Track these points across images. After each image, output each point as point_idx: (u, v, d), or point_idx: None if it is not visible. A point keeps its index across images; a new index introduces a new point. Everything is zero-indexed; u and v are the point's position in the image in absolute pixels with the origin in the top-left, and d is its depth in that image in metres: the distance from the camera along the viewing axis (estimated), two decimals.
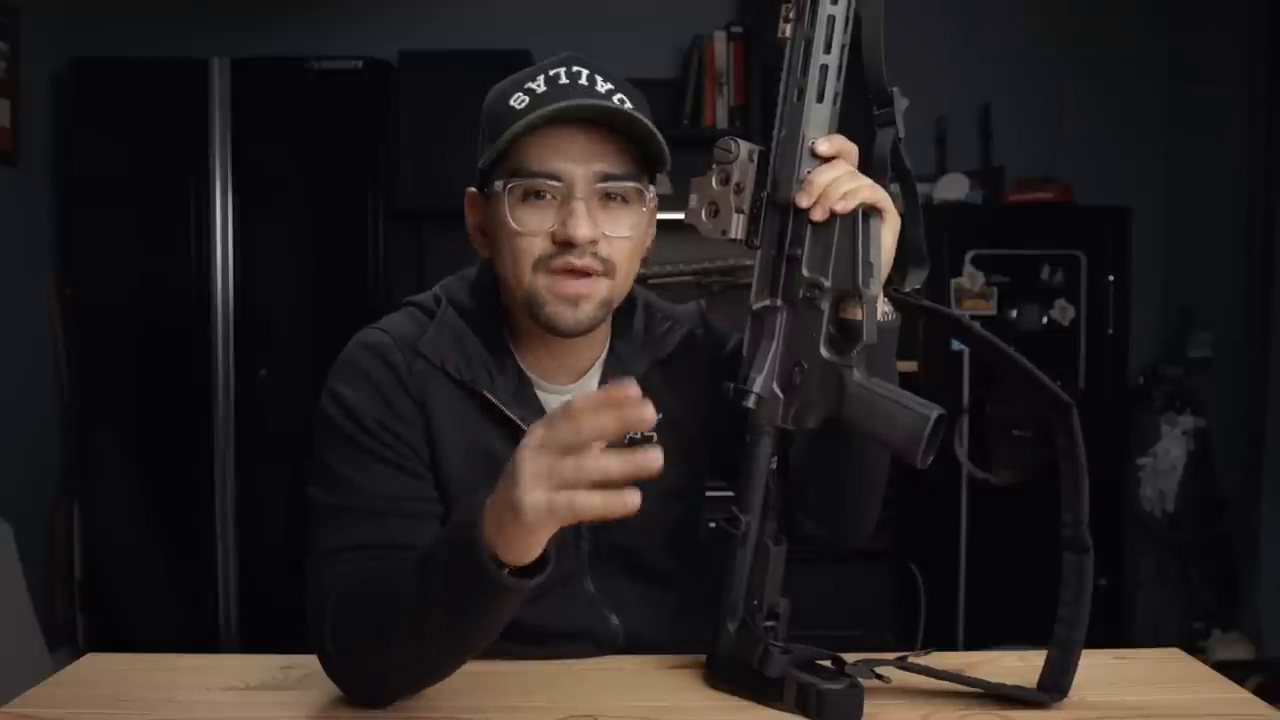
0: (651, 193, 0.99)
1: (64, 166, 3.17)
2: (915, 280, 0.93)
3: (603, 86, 0.96)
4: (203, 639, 2.96)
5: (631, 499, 0.71)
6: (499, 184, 0.95)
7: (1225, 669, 1.07)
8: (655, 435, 1.05)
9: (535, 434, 0.74)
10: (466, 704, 0.90)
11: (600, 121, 0.93)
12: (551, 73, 0.96)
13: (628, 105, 0.95)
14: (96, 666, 1.01)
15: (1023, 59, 3.39)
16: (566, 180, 0.93)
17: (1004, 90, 3.36)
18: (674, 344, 1.09)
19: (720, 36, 3.18)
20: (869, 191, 0.86)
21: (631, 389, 0.70)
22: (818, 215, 0.87)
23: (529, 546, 0.76)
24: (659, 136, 0.95)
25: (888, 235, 0.89)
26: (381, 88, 3.08)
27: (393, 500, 0.95)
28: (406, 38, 3.20)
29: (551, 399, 1.03)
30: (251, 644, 2.97)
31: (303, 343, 2.99)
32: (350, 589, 0.89)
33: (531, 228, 0.94)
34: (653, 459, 0.71)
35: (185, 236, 3.00)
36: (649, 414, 0.70)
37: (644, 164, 0.97)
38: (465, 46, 3.09)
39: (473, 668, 0.99)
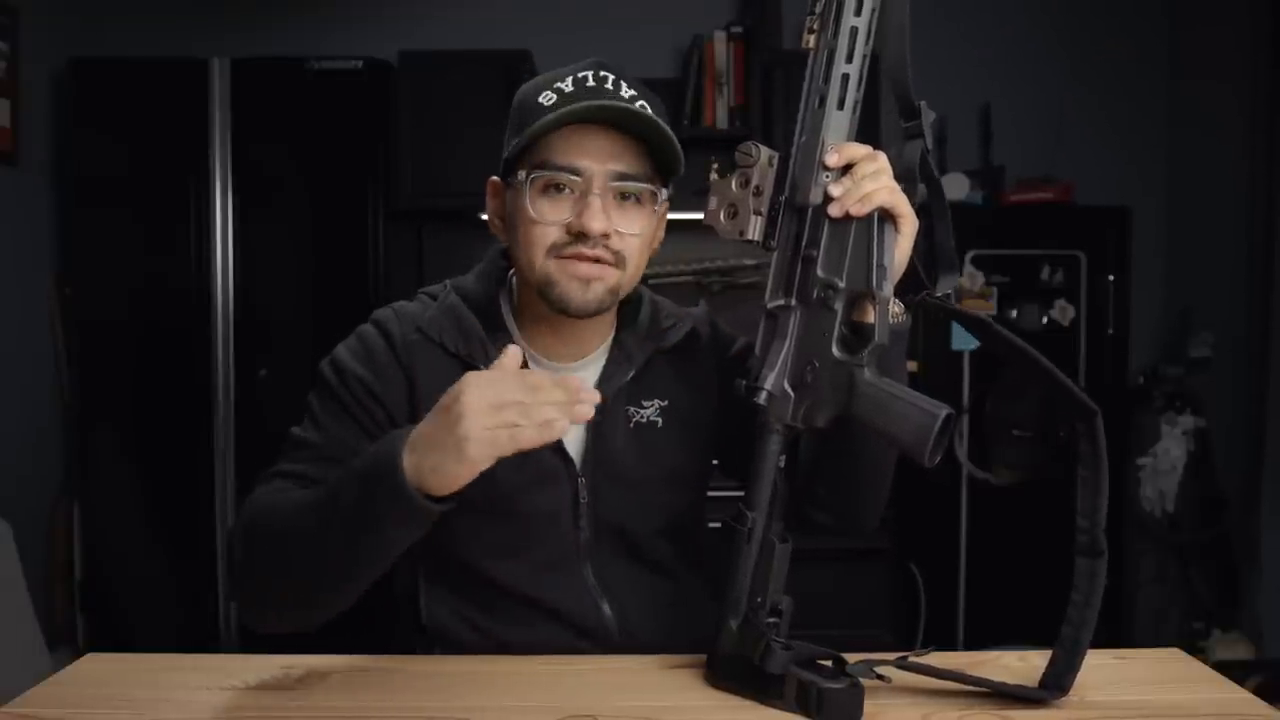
0: (664, 195, 1.04)
1: (64, 166, 3.17)
2: (946, 285, 0.94)
3: (626, 92, 1.01)
4: (203, 639, 2.95)
5: (583, 409, 0.82)
6: (522, 174, 1.01)
7: (1225, 669, 1.07)
8: (660, 420, 1.10)
9: (481, 381, 0.82)
10: (466, 703, 0.90)
11: (620, 125, 0.99)
12: (580, 74, 1.02)
13: (648, 111, 1.00)
14: (96, 666, 1.01)
15: (1023, 59, 3.39)
16: (585, 176, 0.99)
17: (1004, 90, 3.36)
18: (678, 337, 1.13)
19: (720, 36, 3.18)
20: (886, 195, 0.87)
21: (593, 393, 0.83)
22: (835, 211, 0.88)
23: (458, 478, 0.82)
24: (675, 141, 1.00)
25: (903, 240, 0.90)
26: (381, 88, 3.08)
27: (349, 453, 0.98)
28: (406, 38, 3.20)
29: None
30: (251, 644, 2.97)
31: (303, 343, 2.98)
32: (272, 499, 0.96)
33: (549, 218, 1.00)
34: (588, 407, 0.82)
35: (185, 236, 3.00)
36: (586, 411, 0.82)
37: (658, 168, 1.03)
38: (465, 46, 3.09)
39: (472, 667, 0.99)
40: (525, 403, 0.81)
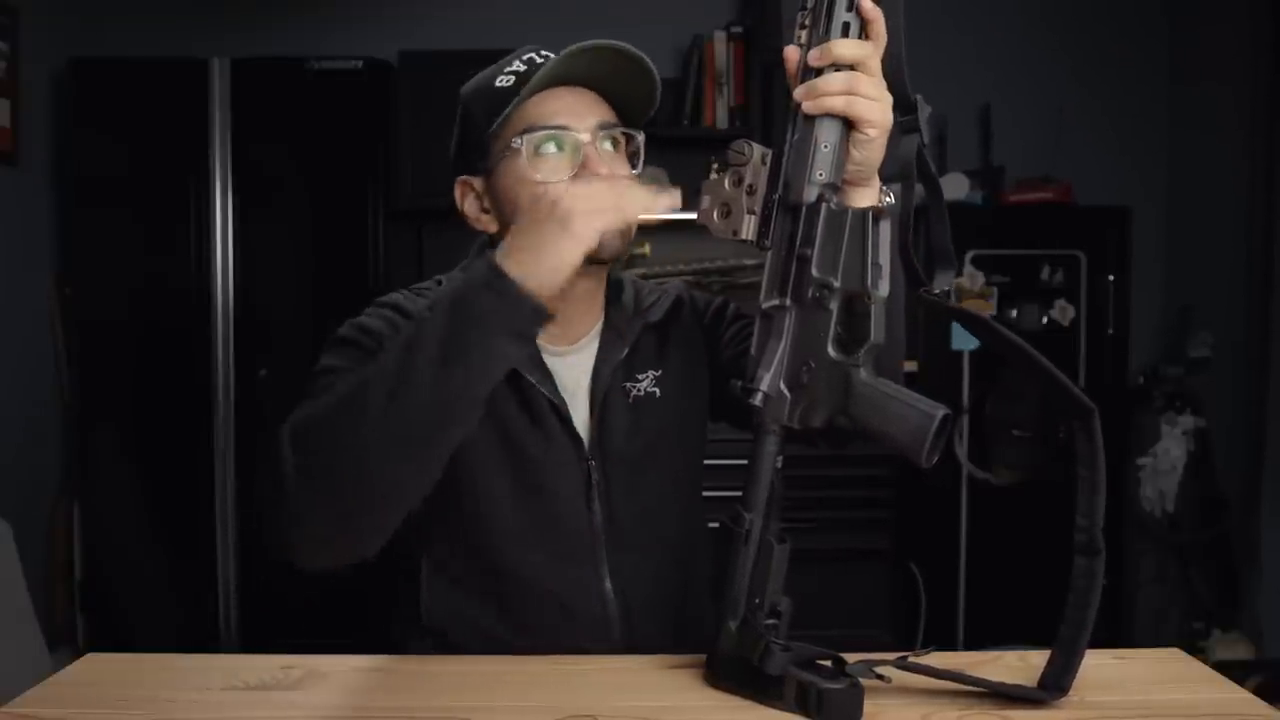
0: (641, 139, 1.08)
1: (64, 166, 3.17)
2: (943, 281, 0.93)
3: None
4: (203, 639, 2.95)
5: (670, 198, 0.89)
6: (516, 141, 1.02)
7: (1225, 669, 1.07)
8: (658, 390, 1.14)
9: (573, 188, 0.87)
10: (465, 703, 0.90)
11: (587, 82, 1.04)
12: (526, 55, 1.06)
13: (630, 48, 1.03)
14: (96, 666, 1.01)
15: (1023, 59, 3.40)
16: (574, 130, 1.02)
17: (1004, 90, 3.36)
18: (664, 310, 1.16)
19: (720, 36, 3.18)
20: (840, 103, 0.85)
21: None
22: (807, 105, 0.87)
23: (560, 262, 0.83)
24: (653, 72, 1.04)
25: (862, 144, 0.88)
26: (381, 88, 3.08)
27: None
28: (406, 38, 3.20)
29: (552, 360, 1.10)
30: (251, 644, 2.97)
31: (303, 343, 2.97)
32: (322, 395, 0.87)
33: (552, 176, 1.01)
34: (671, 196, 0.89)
35: (185, 236, 3.00)
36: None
37: (625, 116, 1.08)
38: (465, 46, 3.08)
39: (472, 667, 0.99)
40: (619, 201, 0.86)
